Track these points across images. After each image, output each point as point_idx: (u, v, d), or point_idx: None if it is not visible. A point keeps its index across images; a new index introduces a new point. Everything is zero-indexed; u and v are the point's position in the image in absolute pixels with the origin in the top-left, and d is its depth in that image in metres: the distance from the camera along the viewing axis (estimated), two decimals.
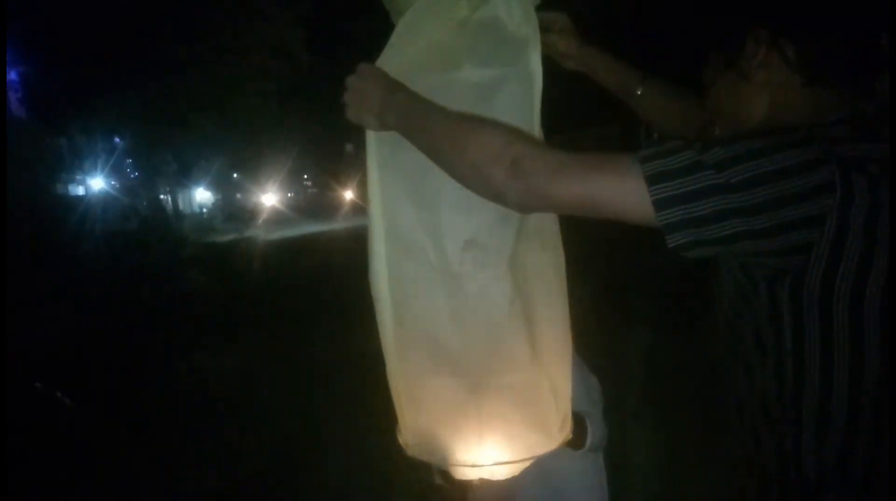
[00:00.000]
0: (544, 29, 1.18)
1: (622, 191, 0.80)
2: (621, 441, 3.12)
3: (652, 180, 0.78)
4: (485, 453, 1.09)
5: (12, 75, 16.14)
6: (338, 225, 19.96)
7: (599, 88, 1.34)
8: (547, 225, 1.17)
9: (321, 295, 7.81)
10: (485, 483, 1.14)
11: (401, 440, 1.17)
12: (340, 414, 3.67)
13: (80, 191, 20.53)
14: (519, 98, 1.05)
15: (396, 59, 1.10)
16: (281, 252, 14.31)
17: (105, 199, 20.33)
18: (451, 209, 1.06)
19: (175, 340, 6.18)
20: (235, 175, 40.32)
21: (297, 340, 5.89)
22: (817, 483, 0.84)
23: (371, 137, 1.11)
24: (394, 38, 1.11)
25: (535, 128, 1.05)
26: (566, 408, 1.16)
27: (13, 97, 16.25)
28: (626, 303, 5.70)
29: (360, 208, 20.50)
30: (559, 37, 1.28)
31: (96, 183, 20.32)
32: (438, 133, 0.97)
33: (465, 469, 1.11)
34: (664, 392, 3.75)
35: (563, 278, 1.19)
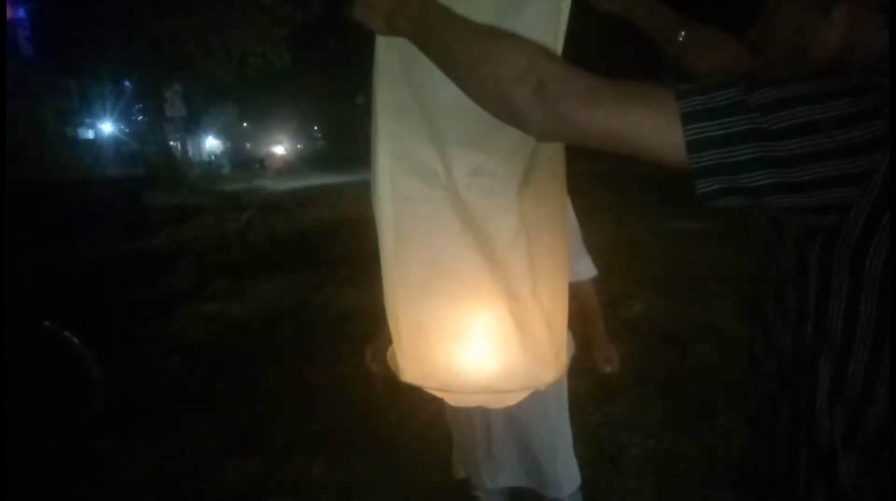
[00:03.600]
0: None
1: (654, 127, 0.73)
2: (624, 401, 3.17)
3: (687, 119, 0.71)
4: (482, 380, 1.07)
5: (20, 13, 15.89)
6: (347, 177, 19.88)
7: (629, 41, 1.27)
8: (556, 158, 1.13)
9: (328, 246, 7.82)
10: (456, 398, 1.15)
11: (392, 364, 1.15)
12: (345, 363, 3.71)
13: (90, 134, 20.44)
14: (545, 15, 0.98)
15: None
16: (289, 202, 14.28)
17: (114, 143, 20.30)
18: (462, 133, 1.01)
19: (182, 286, 6.22)
20: (245, 124, 40.07)
21: (304, 290, 5.91)
22: (828, 448, 0.83)
23: (380, 44, 1.03)
24: None
25: (559, 49, 0.98)
26: (561, 342, 1.15)
27: (21, 35, 16.05)
28: (630, 265, 5.67)
29: (367, 161, 20.38)
30: None
31: (105, 127, 20.22)
32: (455, 44, 0.86)
33: (462, 396, 1.10)
34: (668, 357, 3.75)
35: (564, 212, 1.16)
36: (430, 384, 1.10)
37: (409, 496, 2.55)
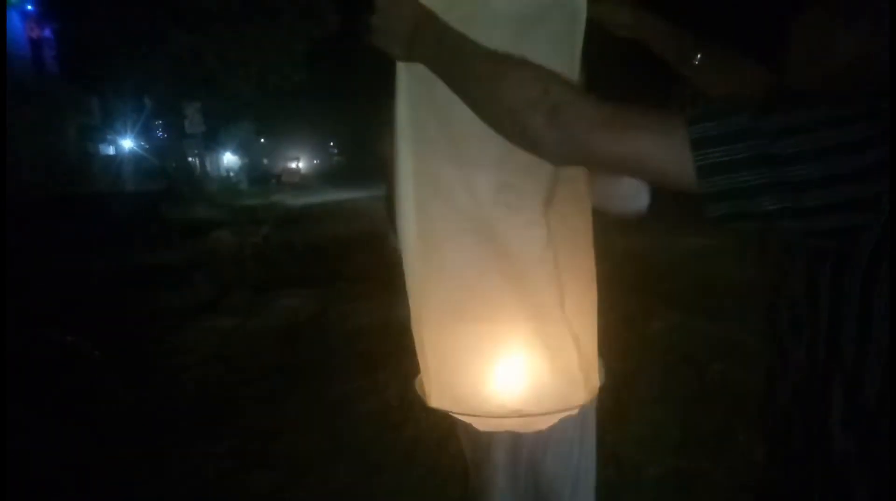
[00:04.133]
0: None
1: (665, 153, 0.75)
2: (640, 418, 3.14)
3: (696, 145, 0.73)
4: (511, 404, 1.05)
5: (47, 32, 16.28)
6: (362, 193, 19.99)
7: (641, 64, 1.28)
8: (578, 173, 1.12)
9: (344, 261, 7.86)
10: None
11: (419, 390, 1.12)
12: (362, 378, 3.72)
13: (111, 150, 20.81)
14: (561, 36, 0.99)
15: None
16: (305, 217, 14.40)
17: (134, 158, 20.63)
18: (486, 151, 1.01)
19: (199, 299, 6.28)
20: (262, 140, 40.54)
21: (320, 304, 5.94)
22: (841, 468, 0.82)
23: (401, 69, 1.04)
24: None
25: (576, 71, 0.99)
26: (592, 363, 1.12)
27: (48, 55, 16.44)
28: (646, 282, 5.64)
29: (383, 177, 20.50)
30: (612, 4, 1.20)
31: (126, 143, 20.57)
32: (471, 71, 0.89)
33: (491, 420, 1.07)
34: (686, 375, 3.72)
35: (590, 229, 1.14)
36: (458, 410, 1.07)
37: None
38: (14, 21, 14.88)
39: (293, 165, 44.08)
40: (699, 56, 1.19)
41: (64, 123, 16.19)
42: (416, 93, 1.05)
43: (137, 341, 4.71)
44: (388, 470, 2.82)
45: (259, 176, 34.46)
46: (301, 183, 34.13)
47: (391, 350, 4.04)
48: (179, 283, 6.97)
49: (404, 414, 3.04)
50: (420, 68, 1.01)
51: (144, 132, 21.14)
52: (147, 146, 21.45)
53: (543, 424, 1.10)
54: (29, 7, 15.75)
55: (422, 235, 1.07)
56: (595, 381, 1.12)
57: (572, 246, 1.11)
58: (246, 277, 7.31)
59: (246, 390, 3.90)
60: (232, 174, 33.74)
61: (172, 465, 3.02)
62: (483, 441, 1.69)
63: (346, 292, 6.21)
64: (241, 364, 4.40)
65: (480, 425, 1.10)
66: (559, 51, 0.99)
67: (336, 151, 51.78)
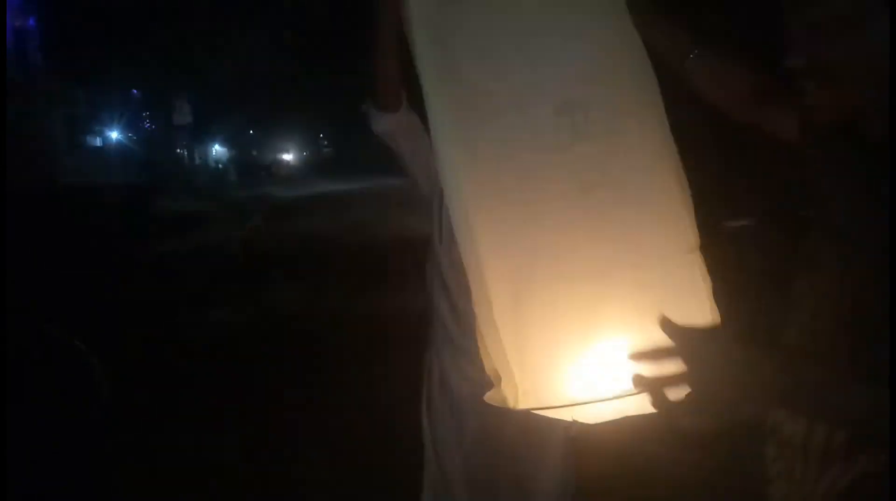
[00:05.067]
0: None
1: None
2: None
3: None
4: (623, 384, 0.79)
5: (29, 22, 16.06)
6: (352, 185, 19.94)
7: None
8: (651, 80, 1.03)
9: (333, 253, 7.84)
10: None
11: (498, 400, 0.91)
12: (351, 369, 3.72)
13: (98, 142, 20.60)
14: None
15: None
16: (295, 210, 14.34)
17: (121, 150, 20.45)
18: (539, 64, 0.93)
19: (189, 292, 6.25)
20: (252, 132, 40.23)
21: (310, 297, 5.93)
22: None
23: (420, 43, 0.95)
24: None
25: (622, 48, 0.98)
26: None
27: (31, 45, 16.22)
28: None
29: (373, 169, 20.45)
30: None
31: (113, 134, 20.37)
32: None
33: (598, 410, 0.87)
34: None
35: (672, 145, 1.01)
36: (559, 403, 0.88)
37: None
38: None
39: (283, 156, 43.83)
40: (693, 55, 1.15)
41: (49, 114, 16.01)
42: (441, 67, 0.96)
43: (126, 333, 4.68)
44: (381, 462, 2.83)
45: (248, 168, 34.20)
46: (291, 175, 33.95)
47: (382, 342, 4.05)
48: (168, 276, 6.93)
49: (395, 405, 3.04)
50: (439, 39, 0.95)
51: (132, 124, 20.95)
52: (134, 138, 21.26)
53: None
54: None
55: (479, 223, 0.91)
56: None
57: (672, 161, 0.99)
58: (236, 269, 7.28)
59: (236, 382, 3.89)
60: (221, 166, 33.49)
61: (161, 455, 3.01)
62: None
63: (336, 285, 6.19)
64: (230, 357, 4.38)
65: (585, 418, 0.91)
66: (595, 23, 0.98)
67: (326, 142, 51.52)
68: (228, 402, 3.62)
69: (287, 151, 45.58)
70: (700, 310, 0.93)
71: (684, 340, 0.72)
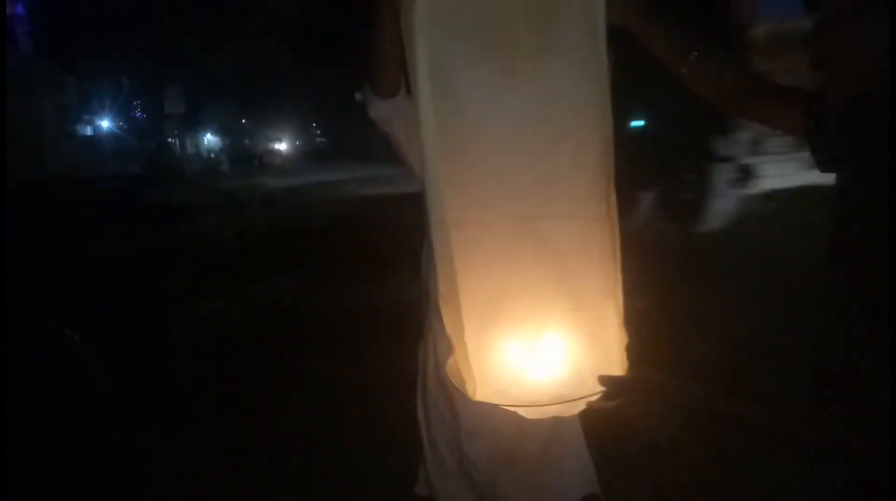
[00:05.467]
0: None
1: None
2: None
3: None
4: (554, 392, 1.07)
5: (18, 9, 15.86)
6: (345, 175, 19.87)
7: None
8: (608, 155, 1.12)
9: (327, 244, 7.83)
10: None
11: (458, 382, 1.12)
12: (345, 360, 3.72)
13: (88, 131, 20.42)
14: (577, 20, 1.01)
15: None
16: (287, 200, 14.29)
17: (113, 139, 20.28)
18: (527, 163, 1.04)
19: (181, 283, 6.23)
20: (244, 121, 39.97)
21: (304, 287, 5.92)
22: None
23: (422, 74, 1.02)
24: None
25: (601, 59, 1.01)
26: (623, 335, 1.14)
27: (20, 31, 16.02)
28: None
29: (365, 158, 20.34)
30: None
31: (104, 123, 20.19)
32: None
33: (536, 409, 1.09)
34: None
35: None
36: (504, 402, 1.08)
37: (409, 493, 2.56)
38: None
39: (275, 146, 43.59)
40: (695, 55, 1.16)
41: (39, 102, 15.84)
42: (442, 102, 1.03)
43: (119, 325, 4.67)
44: (373, 452, 2.84)
45: (240, 157, 33.94)
46: (283, 164, 33.76)
47: (375, 332, 4.06)
48: (161, 267, 6.90)
49: (389, 395, 3.05)
50: (443, 77, 1.02)
51: (123, 112, 20.77)
52: (126, 127, 21.09)
53: (583, 405, 1.10)
54: None
55: (455, 238, 1.05)
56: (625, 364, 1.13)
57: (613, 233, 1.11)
58: (229, 260, 7.26)
59: (230, 373, 3.90)
60: (213, 155, 33.26)
61: (156, 448, 3.01)
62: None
63: (329, 275, 6.19)
64: (224, 348, 4.38)
65: (526, 414, 1.10)
66: (579, 29, 1.01)
67: (319, 132, 51.28)
68: (222, 393, 3.63)
69: (279, 141, 45.32)
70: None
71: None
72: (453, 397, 1.72)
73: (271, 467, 2.84)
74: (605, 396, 1.03)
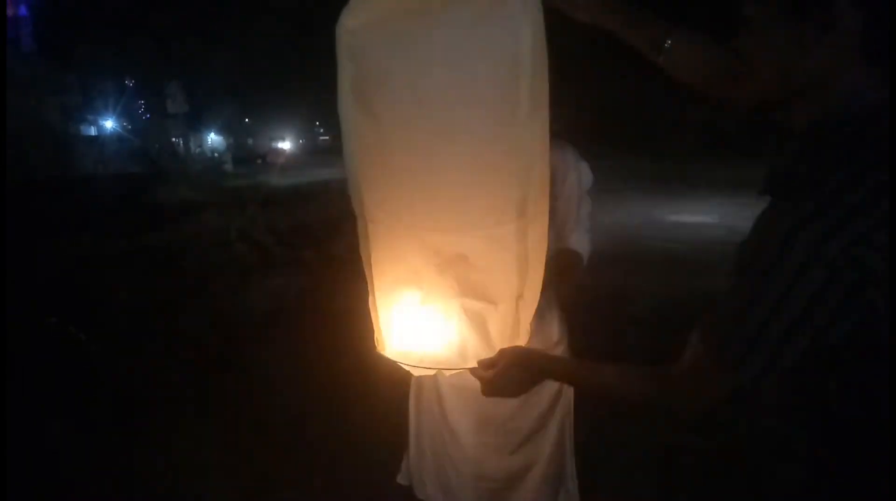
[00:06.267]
0: None
1: None
2: None
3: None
4: (442, 361, 1.28)
5: (21, 10, 15.90)
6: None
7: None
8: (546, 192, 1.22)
9: (331, 241, 7.82)
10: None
11: (377, 340, 1.36)
12: (349, 358, 3.71)
13: (92, 131, 20.46)
14: (501, 41, 1.03)
15: (359, 14, 1.10)
16: (291, 198, 14.30)
17: (116, 139, 20.33)
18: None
19: (185, 282, 6.23)
20: (247, 120, 40.06)
21: (309, 286, 5.93)
22: None
23: (347, 97, 1.16)
24: None
25: (525, 79, 1.04)
26: (524, 332, 1.28)
27: (23, 32, 16.06)
28: (635, 259, 5.67)
29: None
30: None
31: (108, 123, 20.23)
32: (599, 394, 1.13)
33: (424, 369, 1.31)
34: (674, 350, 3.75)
35: (546, 233, 1.26)
36: (403, 361, 1.29)
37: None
38: None
39: (278, 145, 43.68)
40: (668, 42, 1.16)
41: (43, 103, 15.88)
42: (361, 112, 1.15)
43: (124, 323, 4.67)
44: (379, 450, 2.83)
45: (244, 156, 34.02)
46: (287, 163, 33.83)
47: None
48: (166, 266, 6.91)
49: (392, 392, 3.05)
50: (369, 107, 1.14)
51: (126, 113, 20.82)
52: (129, 127, 21.13)
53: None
54: None
55: (372, 221, 1.23)
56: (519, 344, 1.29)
57: (537, 239, 1.21)
58: (233, 258, 7.26)
59: (234, 372, 3.90)
60: (217, 155, 33.32)
61: (159, 448, 3.02)
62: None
63: (333, 273, 6.18)
64: (230, 347, 4.38)
65: (416, 372, 1.34)
66: (501, 57, 1.04)
67: (322, 130, 51.30)
68: (227, 393, 3.63)
69: (283, 140, 45.43)
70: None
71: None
72: (440, 384, 1.74)
73: (275, 466, 2.84)
74: (481, 365, 1.19)
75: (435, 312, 1.25)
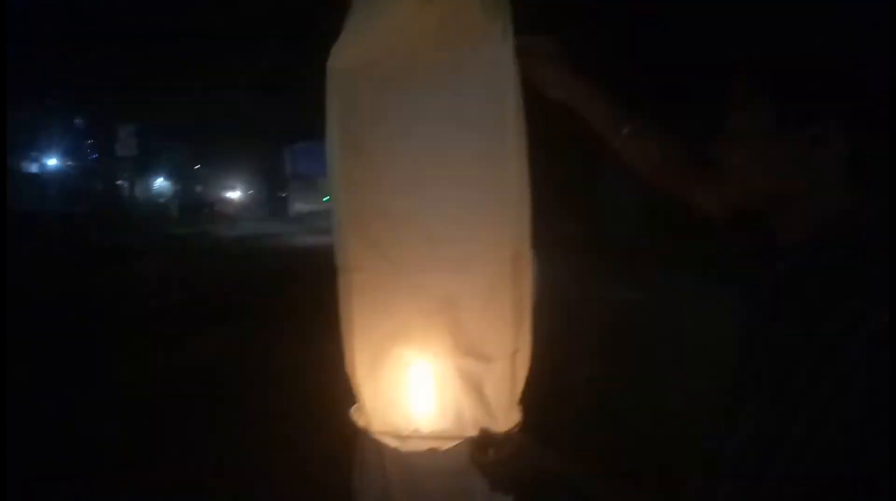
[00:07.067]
0: (530, 54, 1.14)
1: None
2: None
3: None
4: (437, 433, 1.14)
5: None
6: (295, 226, 19.74)
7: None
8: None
9: (274, 297, 7.73)
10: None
11: (356, 417, 1.20)
12: (291, 418, 3.66)
13: (34, 168, 19.85)
14: (481, 84, 1.08)
15: (354, 44, 1.12)
16: (236, 250, 14.09)
17: (60, 178, 19.74)
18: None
19: (122, 331, 6.04)
20: (198, 167, 39.45)
21: (248, 341, 5.82)
22: None
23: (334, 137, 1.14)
24: (350, 23, 1.11)
25: (508, 120, 1.07)
26: (518, 396, 1.18)
27: None
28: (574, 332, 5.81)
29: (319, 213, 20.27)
30: (546, 63, 1.16)
31: (51, 161, 19.69)
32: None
33: (415, 443, 1.16)
34: (603, 428, 3.84)
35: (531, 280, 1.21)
36: (392, 436, 1.16)
37: None
38: None
39: (228, 194, 43.06)
40: (627, 129, 1.17)
41: None
42: (351, 156, 1.14)
43: (57, 370, 4.49)
44: None
45: (191, 204, 33.41)
46: (235, 214, 33.37)
47: (316, 391, 3.99)
48: (102, 313, 6.69)
49: (325, 464, 3.03)
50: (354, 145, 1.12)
51: (73, 152, 20.33)
52: (75, 166, 20.60)
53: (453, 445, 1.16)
54: None
55: (359, 281, 1.13)
56: (516, 416, 1.18)
57: (528, 289, 1.17)
58: (172, 309, 7.09)
59: (167, 429, 3.78)
60: (163, 201, 32.67)
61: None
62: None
63: (274, 329, 6.10)
64: (162, 400, 4.25)
65: (405, 447, 1.17)
66: (481, 99, 1.08)
67: (275, 183, 50.93)
68: (156, 447, 3.51)
69: (233, 189, 44.82)
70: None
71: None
72: (388, 461, 1.70)
73: None
74: (474, 445, 1.06)
75: (425, 374, 1.14)
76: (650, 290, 7.30)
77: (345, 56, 1.12)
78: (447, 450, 1.13)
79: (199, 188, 40.85)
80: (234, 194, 44.31)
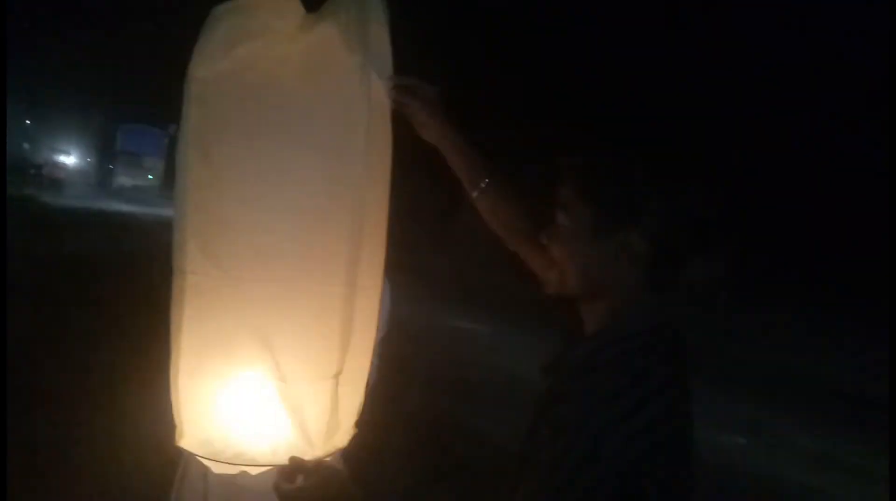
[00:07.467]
0: (407, 94, 1.21)
1: None
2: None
3: None
4: (251, 455, 1.11)
5: None
6: (136, 208, 18.28)
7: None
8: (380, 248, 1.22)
9: (96, 284, 7.08)
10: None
11: (177, 434, 1.15)
12: (84, 415, 3.33)
13: None
14: (334, 113, 1.10)
15: (217, 54, 1.12)
16: (62, 222, 12.70)
17: None
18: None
19: None
20: (29, 122, 35.11)
21: (55, 329, 5.25)
22: None
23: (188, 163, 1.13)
24: (215, 31, 1.13)
25: (357, 150, 1.09)
26: (345, 424, 1.19)
27: None
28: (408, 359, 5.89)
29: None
30: (421, 105, 1.24)
31: None
32: None
33: (228, 466, 1.12)
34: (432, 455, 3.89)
35: (378, 301, 1.23)
36: (203, 453, 1.11)
37: None
38: None
39: (62, 158, 38.76)
40: (485, 182, 1.26)
41: None
42: (201, 165, 1.12)
43: None
44: None
45: (14, 162, 29.70)
46: (67, 181, 30.15)
47: (122, 390, 3.66)
48: None
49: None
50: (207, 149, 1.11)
51: None
52: None
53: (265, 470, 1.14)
54: None
55: (193, 272, 1.12)
56: (338, 443, 1.18)
57: (366, 315, 1.18)
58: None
59: None
60: None
61: None
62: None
63: (90, 318, 5.54)
64: None
65: (216, 468, 1.13)
66: (340, 135, 1.09)
67: (122, 152, 46.52)
68: None
69: (68, 153, 40.43)
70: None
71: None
72: (208, 481, 1.61)
73: None
74: (279, 474, 1.06)
75: (243, 390, 1.12)
76: (485, 323, 7.61)
77: (206, 64, 1.12)
78: (260, 473, 1.11)
79: (26, 145, 36.42)
80: (70, 159, 40.05)
